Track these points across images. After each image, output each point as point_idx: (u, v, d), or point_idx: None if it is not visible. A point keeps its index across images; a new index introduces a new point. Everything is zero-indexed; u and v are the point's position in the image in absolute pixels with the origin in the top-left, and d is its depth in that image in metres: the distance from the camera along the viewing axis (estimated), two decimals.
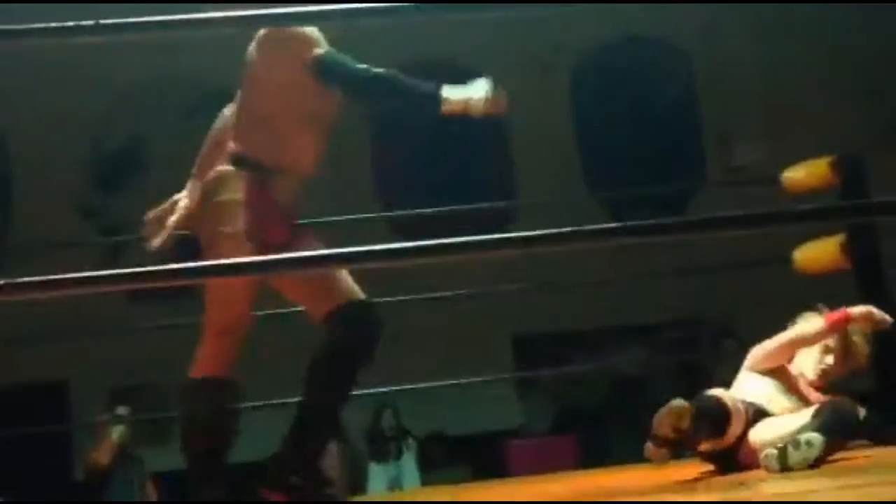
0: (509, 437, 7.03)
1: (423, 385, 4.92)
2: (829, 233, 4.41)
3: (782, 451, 2.92)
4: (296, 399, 3.27)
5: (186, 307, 6.83)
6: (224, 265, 2.41)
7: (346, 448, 6.45)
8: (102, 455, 5.79)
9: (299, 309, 3.23)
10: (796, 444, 2.92)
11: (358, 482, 6.50)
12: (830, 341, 3.40)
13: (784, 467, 2.90)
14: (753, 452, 3.12)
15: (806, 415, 3.15)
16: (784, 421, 3.20)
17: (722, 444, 3.17)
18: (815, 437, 2.93)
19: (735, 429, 3.16)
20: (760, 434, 3.18)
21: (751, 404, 3.28)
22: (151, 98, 9.06)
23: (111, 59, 8.04)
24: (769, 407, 3.31)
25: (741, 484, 2.77)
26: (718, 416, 3.12)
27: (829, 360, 3.41)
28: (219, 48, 8.59)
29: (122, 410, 5.86)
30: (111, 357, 7.72)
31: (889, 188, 2.81)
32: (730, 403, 3.18)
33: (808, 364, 3.45)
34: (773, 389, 3.38)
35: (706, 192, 8.57)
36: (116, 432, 5.81)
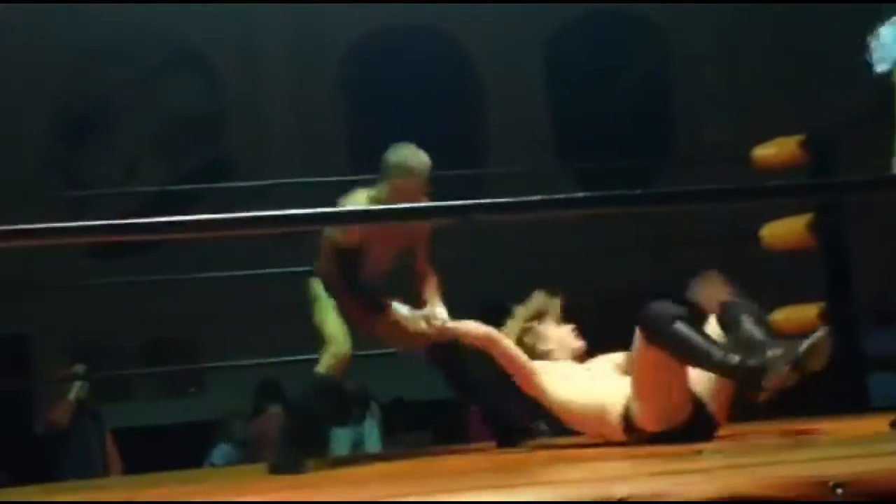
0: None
1: (386, 350, 4.90)
2: (798, 212, 4.44)
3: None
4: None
5: (147, 265, 6.81)
6: (200, 220, 2.37)
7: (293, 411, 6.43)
8: (61, 414, 5.78)
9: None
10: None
11: (321, 446, 6.51)
12: None
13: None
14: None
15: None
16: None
17: None
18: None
19: None
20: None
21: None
22: (119, 54, 8.95)
23: (79, 14, 7.93)
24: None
25: (698, 452, 2.78)
26: None
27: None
28: (186, 5, 8.50)
29: (79, 368, 5.82)
30: (72, 313, 7.66)
31: (859, 168, 2.82)
32: None
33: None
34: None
35: (674, 169, 8.58)
36: (74, 390, 5.78)
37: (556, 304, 3.66)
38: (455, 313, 3.81)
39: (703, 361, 3.04)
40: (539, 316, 3.64)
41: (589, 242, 6.72)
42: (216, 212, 2.42)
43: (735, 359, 2.99)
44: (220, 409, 7.05)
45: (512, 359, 3.52)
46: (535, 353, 3.55)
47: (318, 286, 3.75)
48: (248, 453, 6.21)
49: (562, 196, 3.19)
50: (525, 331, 3.62)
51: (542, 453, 3.34)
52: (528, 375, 3.48)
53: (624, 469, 2.60)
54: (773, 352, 2.95)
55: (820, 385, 3.21)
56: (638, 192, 2.62)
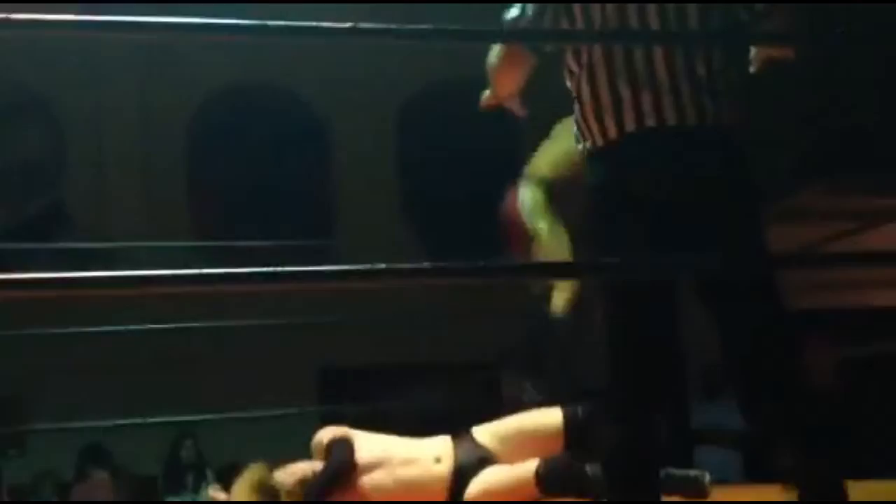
0: None
1: (224, 416, 4.79)
2: None
3: None
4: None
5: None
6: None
7: (119, 477, 6.24)
8: None
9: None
10: None
11: None
12: None
13: None
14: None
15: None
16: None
17: None
18: None
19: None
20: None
21: None
22: None
23: None
24: None
25: None
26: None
27: None
28: (33, 52, 8.23)
29: None
30: None
31: None
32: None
33: None
34: None
35: None
36: None
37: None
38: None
39: None
40: (263, 482, 3.44)
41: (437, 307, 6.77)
42: (50, 268, 2.32)
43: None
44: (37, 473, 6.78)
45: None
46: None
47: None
48: None
49: (406, 266, 3.18)
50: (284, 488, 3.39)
51: None
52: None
53: None
54: None
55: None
56: (479, 263, 2.65)
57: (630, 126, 2.47)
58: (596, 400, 3.20)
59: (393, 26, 1.78)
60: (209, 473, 6.55)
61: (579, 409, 3.29)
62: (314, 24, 1.73)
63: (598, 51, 2.52)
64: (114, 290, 2.22)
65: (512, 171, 4.73)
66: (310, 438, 3.66)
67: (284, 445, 4.09)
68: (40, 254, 6.90)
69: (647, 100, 2.46)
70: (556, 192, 3.90)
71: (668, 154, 2.45)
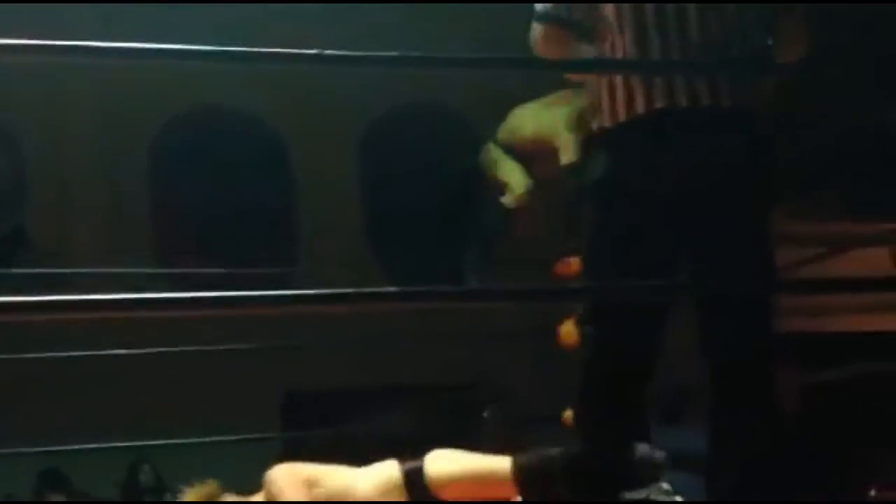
0: None
1: (185, 441, 4.74)
2: None
3: None
4: None
5: None
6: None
7: (77, 502, 6.17)
8: None
9: None
10: None
11: None
12: None
13: None
14: None
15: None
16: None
17: None
18: None
19: None
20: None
21: None
22: None
23: None
24: None
25: None
26: None
27: None
28: None
29: None
30: None
31: None
32: None
33: None
34: None
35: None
36: None
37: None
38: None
39: None
40: (212, 498, 3.44)
41: (402, 329, 6.75)
42: (9, 293, 2.28)
43: None
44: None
45: None
46: None
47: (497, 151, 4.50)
48: None
49: (368, 290, 3.16)
50: None
51: None
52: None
53: None
54: None
55: None
56: (445, 288, 2.64)
57: (640, 108, 2.46)
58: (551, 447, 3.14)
59: (358, 53, 1.78)
60: (168, 498, 6.48)
61: (532, 457, 3.17)
62: (279, 50, 1.72)
63: (615, 31, 2.51)
64: (66, 313, 2.19)
65: (477, 195, 4.76)
66: (271, 464, 3.63)
67: (246, 470, 4.04)
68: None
69: (658, 81, 2.44)
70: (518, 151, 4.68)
71: (678, 136, 2.43)
